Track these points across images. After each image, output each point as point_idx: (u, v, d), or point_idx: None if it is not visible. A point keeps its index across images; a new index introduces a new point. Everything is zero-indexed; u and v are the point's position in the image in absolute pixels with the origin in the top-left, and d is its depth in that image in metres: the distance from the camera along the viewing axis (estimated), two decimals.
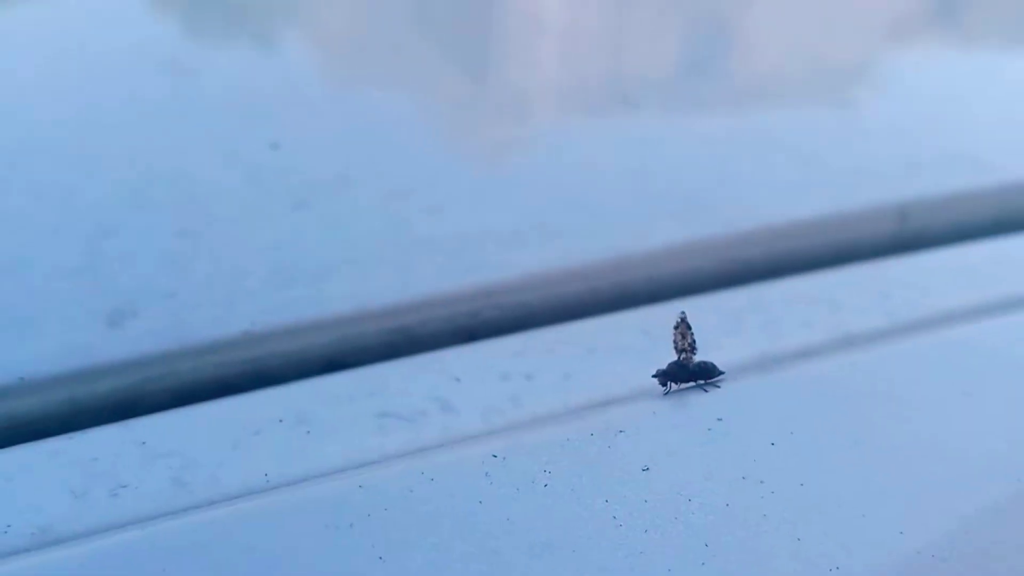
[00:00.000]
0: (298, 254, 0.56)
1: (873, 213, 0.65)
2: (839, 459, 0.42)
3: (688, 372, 0.46)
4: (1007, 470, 0.42)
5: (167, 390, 0.50)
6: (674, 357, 0.47)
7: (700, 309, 0.54)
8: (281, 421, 0.46)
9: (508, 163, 0.70)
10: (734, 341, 0.52)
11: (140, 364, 0.49)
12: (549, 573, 0.36)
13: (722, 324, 0.53)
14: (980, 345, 0.51)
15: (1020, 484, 0.41)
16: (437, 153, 0.71)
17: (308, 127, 0.72)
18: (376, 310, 0.53)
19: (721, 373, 0.46)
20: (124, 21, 0.90)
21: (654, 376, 0.46)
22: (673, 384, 0.46)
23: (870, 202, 0.65)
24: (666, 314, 0.54)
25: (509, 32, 1.00)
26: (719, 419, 0.43)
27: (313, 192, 0.62)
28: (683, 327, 0.46)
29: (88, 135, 0.69)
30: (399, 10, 1.02)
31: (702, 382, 0.46)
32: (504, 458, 0.41)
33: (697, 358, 0.46)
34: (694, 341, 0.46)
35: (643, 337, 0.52)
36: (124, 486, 0.42)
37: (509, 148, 0.73)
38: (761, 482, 0.40)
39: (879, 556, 0.38)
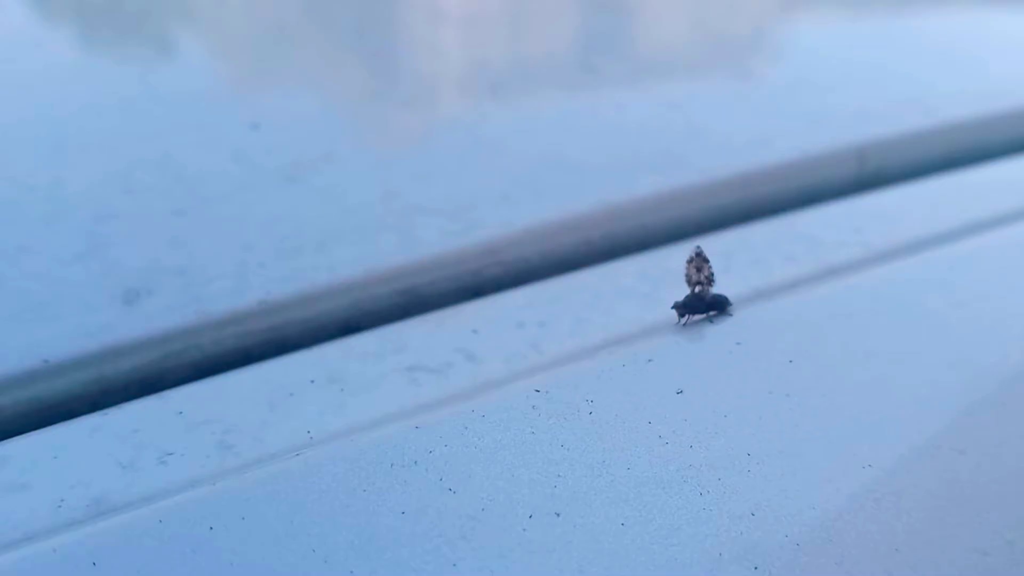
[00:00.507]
0: (298, 226, 0.57)
1: (835, 156, 0.68)
2: (853, 371, 0.45)
3: (704, 304, 0.48)
4: (1008, 373, 0.46)
5: (190, 363, 0.50)
6: (687, 291, 0.49)
7: (687, 251, 0.57)
8: (312, 382, 0.47)
9: (485, 129, 0.72)
10: (727, 278, 0.54)
11: (161, 340, 0.50)
12: (610, 490, 0.38)
13: (713, 264, 0.55)
14: (955, 265, 0.55)
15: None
16: (414, 125, 0.72)
17: (281, 108, 0.72)
18: (384, 273, 0.55)
19: (732, 304, 0.49)
20: (81, 14, 0.89)
21: (672, 307, 0.48)
22: (689, 316, 0.48)
23: (831, 146, 0.69)
24: (659, 260, 0.57)
25: (469, 8, 1.01)
26: (738, 343, 0.46)
27: (301, 168, 0.63)
28: (699, 261, 0.49)
29: (62, 127, 0.68)
30: None
31: (715, 313, 0.49)
32: (547, 391, 0.43)
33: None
34: (712, 274, 0.48)
35: (643, 280, 0.55)
36: (170, 453, 0.43)
37: (484, 115, 0.74)
38: (787, 395, 0.43)
39: (904, 453, 0.41)
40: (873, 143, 0.70)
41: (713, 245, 0.58)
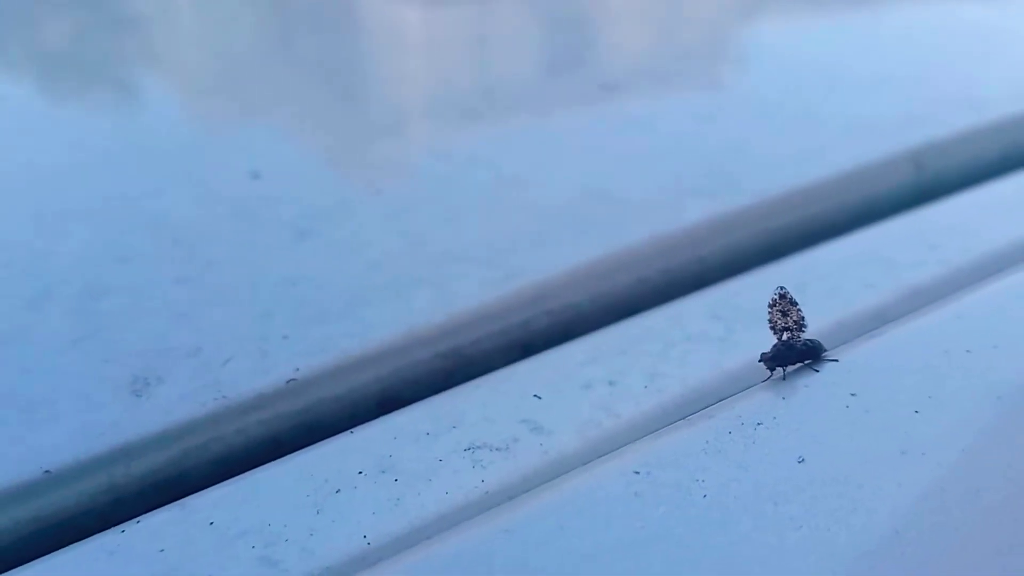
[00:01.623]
0: (319, 287, 0.51)
1: (890, 164, 0.63)
2: (988, 415, 0.39)
3: (796, 353, 0.42)
4: None
5: (214, 459, 0.44)
6: (765, 331, 0.43)
7: (758, 284, 0.52)
8: (361, 473, 0.40)
9: (508, 162, 0.65)
10: (807, 312, 0.48)
11: (178, 434, 0.43)
12: None
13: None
14: None
15: None
16: (431, 162, 0.66)
17: (281, 152, 0.66)
18: (423, 334, 0.48)
19: (826, 350, 0.43)
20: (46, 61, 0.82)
21: (760, 361, 0.42)
22: (782, 369, 0.42)
23: (884, 154, 0.63)
24: (726, 295, 0.51)
25: (475, 34, 0.95)
26: (852, 394, 0.40)
27: (313, 219, 0.57)
28: (784, 304, 0.43)
29: (39, 190, 0.61)
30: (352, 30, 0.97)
31: (810, 362, 0.42)
32: (648, 473, 0.36)
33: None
34: (802, 318, 0.42)
35: (715, 322, 0.49)
36: None
37: (506, 146, 0.68)
38: (923, 454, 0.37)
39: None
40: (928, 147, 0.64)
41: (781, 274, 0.53)
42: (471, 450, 0.41)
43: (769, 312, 0.43)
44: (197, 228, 0.56)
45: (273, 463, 0.41)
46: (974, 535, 0.34)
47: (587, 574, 0.33)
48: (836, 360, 0.42)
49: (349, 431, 0.43)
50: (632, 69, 0.83)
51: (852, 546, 0.33)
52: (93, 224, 0.57)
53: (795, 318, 0.43)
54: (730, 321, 0.49)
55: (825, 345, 0.43)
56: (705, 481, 0.36)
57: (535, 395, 0.44)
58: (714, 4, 1.05)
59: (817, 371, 0.42)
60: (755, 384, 0.42)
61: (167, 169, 0.64)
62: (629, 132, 0.69)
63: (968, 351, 0.42)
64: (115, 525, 0.39)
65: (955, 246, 0.54)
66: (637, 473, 0.36)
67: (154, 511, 0.39)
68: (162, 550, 0.37)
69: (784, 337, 0.43)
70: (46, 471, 0.41)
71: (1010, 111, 0.69)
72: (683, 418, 0.40)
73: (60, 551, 0.38)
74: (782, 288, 0.43)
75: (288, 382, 0.45)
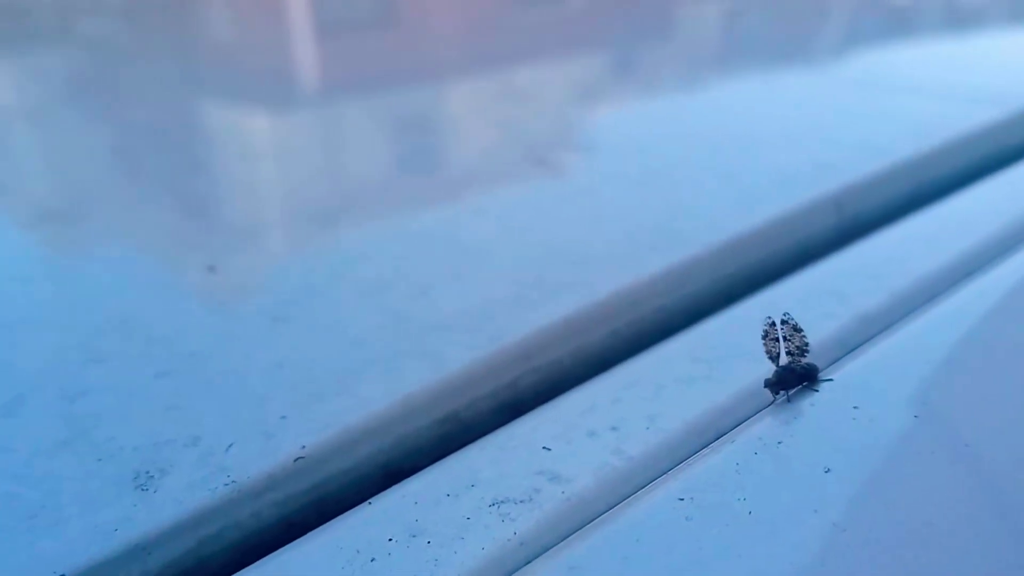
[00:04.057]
0: (308, 368, 0.50)
1: (815, 208, 0.67)
2: (986, 419, 0.42)
3: (797, 376, 0.44)
4: None
5: (232, 545, 0.42)
6: (758, 370, 0.45)
7: (726, 326, 0.54)
8: (391, 540, 0.40)
9: (464, 236, 0.66)
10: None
11: (192, 523, 0.42)
12: None
13: (752, 331, 0.52)
14: (992, 287, 0.54)
15: None
16: (391, 241, 0.66)
17: (232, 242, 0.65)
18: (420, 402, 0.48)
19: (821, 370, 0.45)
20: None
21: (765, 386, 0.44)
22: (785, 392, 0.44)
23: (809, 200, 0.68)
24: (698, 339, 0.53)
25: (409, 128, 0.97)
26: (855, 407, 0.42)
27: (285, 306, 0.56)
28: (787, 330, 0.45)
29: None
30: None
31: (806, 384, 0.45)
32: (692, 499, 0.37)
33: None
34: (806, 343, 0.45)
35: (695, 363, 0.51)
36: None
37: (457, 222, 0.69)
38: (932, 452, 0.39)
39: None
40: (845, 191, 0.69)
41: (744, 315, 0.55)
42: (495, 505, 0.41)
43: (764, 342, 0.46)
44: (168, 325, 0.55)
45: (298, 541, 0.41)
46: (1005, 518, 0.36)
47: None
48: (831, 380, 0.45)
49: (367, 502, 0.43)
50: (562, 144, 0.86)
51: (893, 539, 0.35)
52: (55, 329, 0.55)
53: (797, 343, 0.45)
54: (710, 361, 0.51)
55: (819, 367, 0.46)
56: (747, 499, 0.37)
57: (544, 447, 0.45)
58: (618, 83, 1.10)
59: (816, 391, 0.44)
60: (763, 408, 0.44)
61: (120, 271, 0.62)
62: (575, 199, 0.71)
63: (947, 361, 0.46)
64: None
65: (893, 273, 0.58)
66: (682, 500, 0.37)
67: None
68: None
69: (786, 362, 0.45)
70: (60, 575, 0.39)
71: (907, 155, 0.75)
72: (706, 445, 0.41)
73: None
74: (786, 314, 0.45)
75: (296, 460, 0.44)
